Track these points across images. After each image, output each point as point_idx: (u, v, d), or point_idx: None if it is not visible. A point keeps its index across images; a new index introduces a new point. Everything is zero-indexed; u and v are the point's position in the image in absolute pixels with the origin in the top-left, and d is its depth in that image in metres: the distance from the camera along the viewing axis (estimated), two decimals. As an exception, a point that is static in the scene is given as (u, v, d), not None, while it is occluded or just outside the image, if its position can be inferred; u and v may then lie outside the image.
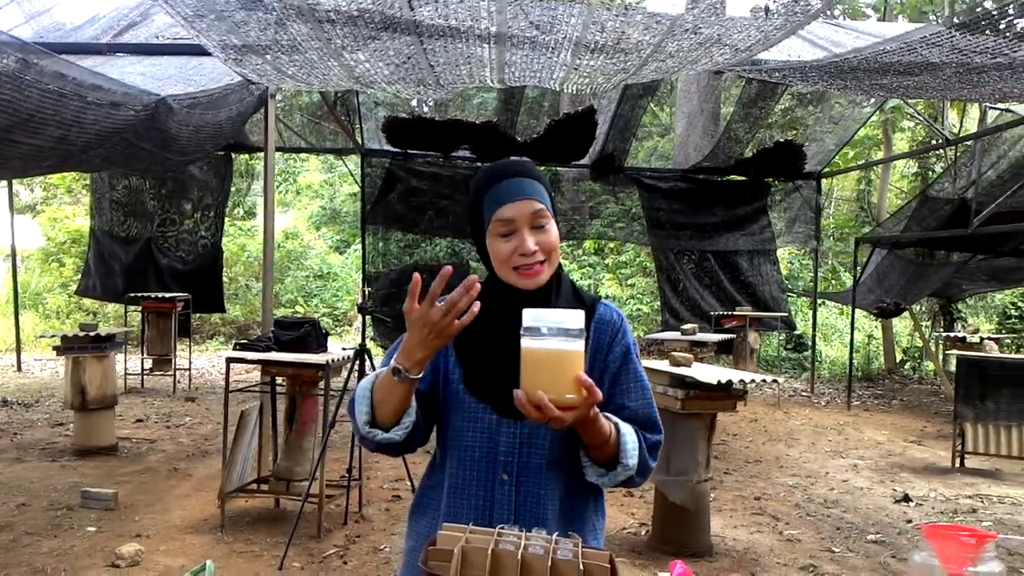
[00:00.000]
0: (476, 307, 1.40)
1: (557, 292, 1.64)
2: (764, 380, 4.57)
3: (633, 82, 5.11)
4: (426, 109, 15.28)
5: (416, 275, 1.42)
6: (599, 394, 1.39)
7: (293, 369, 4.74)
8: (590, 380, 1.36)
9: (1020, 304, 14.35)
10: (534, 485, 1.58)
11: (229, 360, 4.79)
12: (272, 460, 5.31)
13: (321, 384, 4.85)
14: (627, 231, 12.29)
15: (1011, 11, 4.76)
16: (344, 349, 5.08)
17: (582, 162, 10.87)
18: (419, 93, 4.66)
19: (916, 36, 4.49)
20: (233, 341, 6.02)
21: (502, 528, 1.25)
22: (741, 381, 4.39)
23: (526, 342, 1.37)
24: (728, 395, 4.42)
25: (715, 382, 4.24)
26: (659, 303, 12.05)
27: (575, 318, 1.37)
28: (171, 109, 4.52)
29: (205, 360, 13.58)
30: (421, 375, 1.48)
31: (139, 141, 4.79)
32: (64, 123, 3.91)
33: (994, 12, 4.71)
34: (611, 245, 16.26)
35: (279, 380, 5.19)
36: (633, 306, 15.11)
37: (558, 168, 11.17)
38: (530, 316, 1.37)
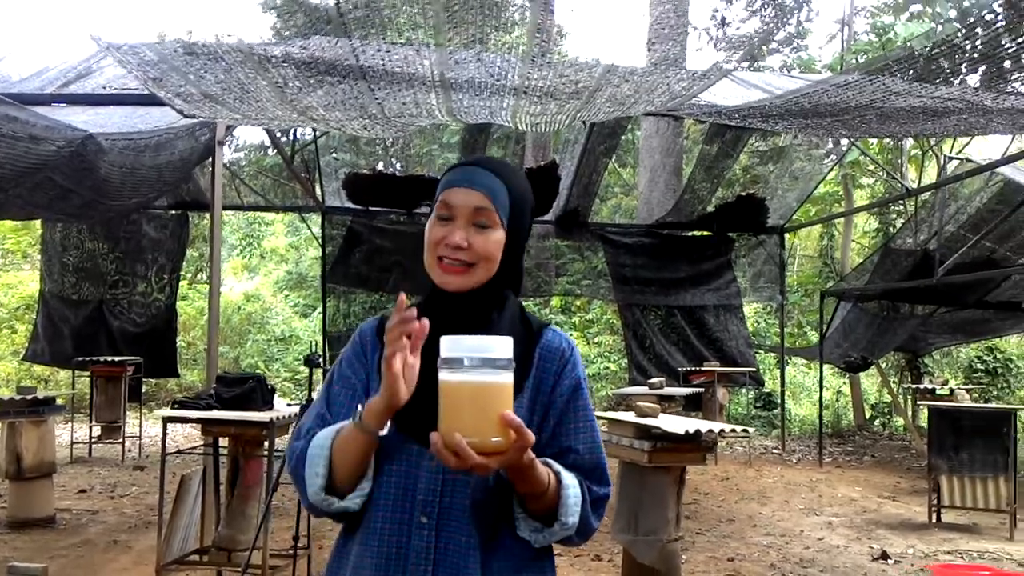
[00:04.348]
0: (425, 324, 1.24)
1: (500, 312, 1.43)
2: (733, 429, 4.37)
3: (589, 117, 4.99)
4: (390, 170, 15.24)
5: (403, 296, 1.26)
6: (530, 437, 1.18)
7: (235, 428, 4.44)
8: (518, 420, 1.16)
9: (986, 358, 14.36)
10: (456, 531, 1.33)
11: (166, 420, 4.49)
12: (215, 528, 4.96)
13: (267, 444, 4.55)
14: (593, 288, 12.17)
15: (963, 68, 4.79)
16: (290, 405, 4.80)
17: (546, 218, 10.77)
18: (365, 128, 4.49)
19: (871, 87, 4.46)
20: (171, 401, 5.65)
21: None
22: (710, 431, 4.18)
23: (444, 375, 1.17)
24: (697, 446, 4.20)
25: (683, 432, 4.03)
26: (626, 360, 11.85)
27: (502, 346, 1.18)
28: (101, 148, 4.30)
29: (159, 428, 13.08)
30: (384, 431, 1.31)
31: (67, 182, 4.55)
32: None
33: (946, 68, 4.72)
34: (578, 303, 16.13)
35: (222, 441, 4.88)
36: (601, 364, 14.92)
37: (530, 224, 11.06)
38: (448, 344, 1.18)
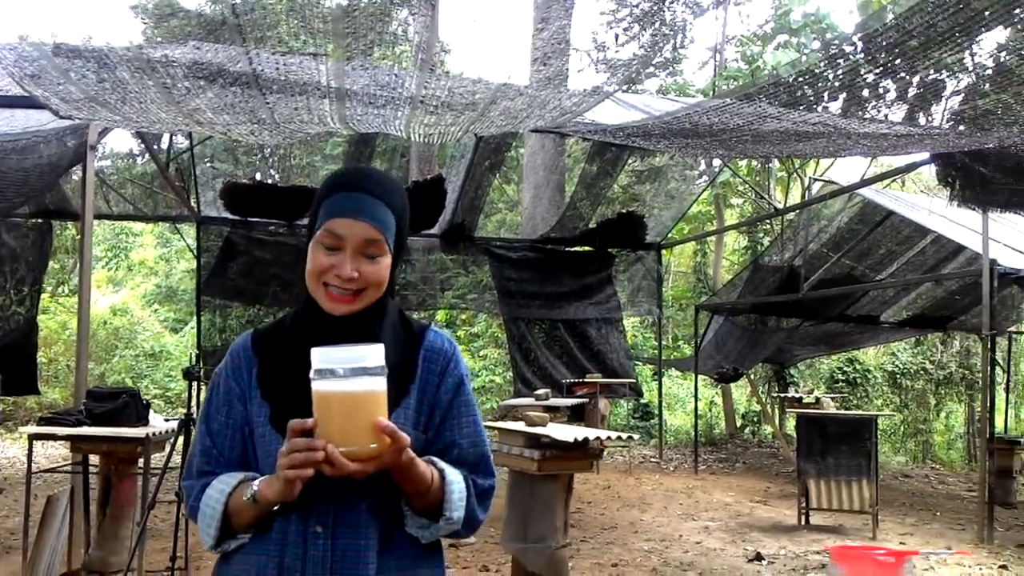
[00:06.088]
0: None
1: (380, 321, 1.44)
2: (620, 437, 4.48)
3: (482, 130, 5.03)
4: (269, 180, 14.83)
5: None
6: (405, 439, 1.24)
7: (107, 445, 4.21)
8: (392, 425, 1.22)
9: (846, 369, 15.27)
10: (352, 537, 1.35)
11: (32, 437, 4.22)
12: (84, 551, 4.68)
13: (141, 461, 4.34)
14: (479, 302, 12.21)
15: (825, 96, 5.12)
16: (167, 420, 4.60)
17: (432, 232, 10.74)
18: (252, 134, 4.36)
19: (747, 110, 4.70)
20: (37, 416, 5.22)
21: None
22: (597, 438, 4.27)
23: (317, 386, 1.20)
24: (585, 454, 4.28)
25: (572, 440, 4.10)
26: (511, 373, 11.94)
27: (374, 353, 1.22)
28: (-37, 149, 4.02)
29: (18, 449, 12.23)
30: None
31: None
32: None
33: (811, 95, 5.03)
34: (463, 317, 16.16)
35: (93, 459, 4.62)
36: (486, 377, 14.99)
37: (408, 238, 11.00)
38: (319, 356, 1.21)
